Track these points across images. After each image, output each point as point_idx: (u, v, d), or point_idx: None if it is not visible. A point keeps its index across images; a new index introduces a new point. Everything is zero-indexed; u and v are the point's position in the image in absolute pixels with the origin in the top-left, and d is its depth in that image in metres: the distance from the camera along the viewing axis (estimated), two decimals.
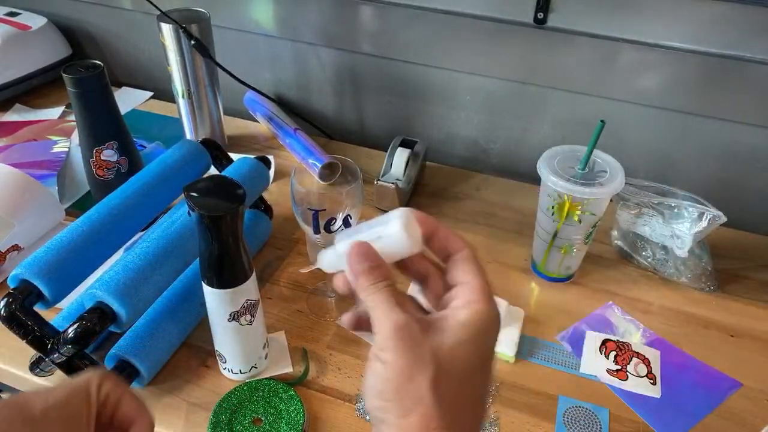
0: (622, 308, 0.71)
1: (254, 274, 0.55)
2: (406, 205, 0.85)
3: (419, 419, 0.31)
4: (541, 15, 0.81)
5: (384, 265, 0.35)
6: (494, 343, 0.35)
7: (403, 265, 0.38)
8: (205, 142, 0.75)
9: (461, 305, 0.35)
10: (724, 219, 0.68)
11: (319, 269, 0.40)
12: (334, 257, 0.38)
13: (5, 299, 0.52)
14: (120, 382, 0.42)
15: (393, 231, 0.36)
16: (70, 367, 0.55)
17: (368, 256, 0.35)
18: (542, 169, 0.66)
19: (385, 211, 0.38)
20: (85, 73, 0.68)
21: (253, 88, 0.99)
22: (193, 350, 0.64)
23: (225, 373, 0.61)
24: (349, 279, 0.36)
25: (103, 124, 0.73)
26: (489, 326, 0.34)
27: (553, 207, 0.67)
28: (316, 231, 0.72)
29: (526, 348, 0.65)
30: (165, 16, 0.83)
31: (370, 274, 0.35)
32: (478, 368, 0.34)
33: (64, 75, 0.68)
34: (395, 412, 0.32)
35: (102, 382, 0.40)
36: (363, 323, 0.37)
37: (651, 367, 0.63)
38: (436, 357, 0.32)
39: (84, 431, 0.39)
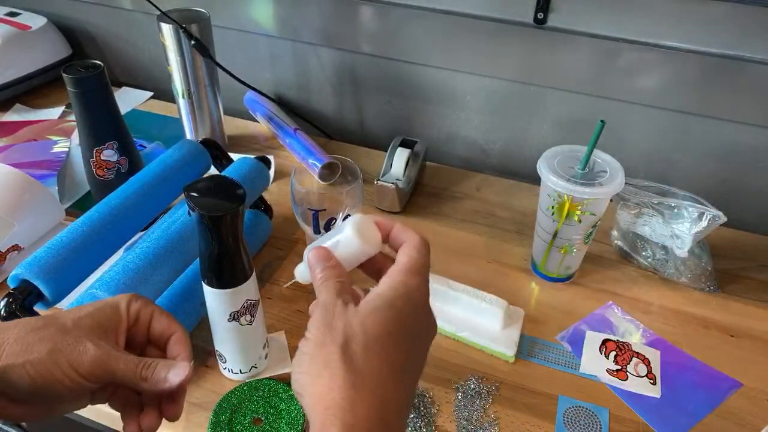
0: (622, 308, 0.71)
1: (254, 274, 0.55)
2: (406, 206, 0.85)
3: (326, 381, 0.33)
4: (541, 15, 0.81)
5: (338, 265, 0.39)
6: (414, 312, 0.37)
7: (368, 267, 0.42)
8: (205, 142, 0.75)
9: (384, 279, 0.38)
10: (724, 219, 0.68)
11: (298, 282, 0.44)
12: (305, 269, 0.42)
13: (5, 299, 0.52)
14: (149, 302, 0.44)
15: (347, 236, 0.40)
16: None
17: (322, 258, 0.39)
18: (542, 169, 0.66)
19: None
20: (85, 73, 0.68)
21: (253, 88, 0.99)
22: (194, 350, 0.63)
23: (225, 373, 0.61)
24: (312, 281, 0.40)
25: (103, 124, 0.73)
26: (406, 294, 0.37)
27: (553, 207, 0.67)
28: (316, 231, 0.72)
29: (526, 348, 0.65)
30: (165, 16, 0.83)
31: (323, 271, 0.39)
32: (394, 333, 0.36)
33: (64, 75, 0.68)
34: (308, 381, 0.34)
35: (131, 300, 0.43)
36: None
37: (651, 367, 0.63)
38: (349, 325, 0.35)
39: (114, 340, 0.41)
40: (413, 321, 0.37)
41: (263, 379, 0.60)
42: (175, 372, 0.40)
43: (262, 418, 0.56)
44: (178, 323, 0.44)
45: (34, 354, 0.37)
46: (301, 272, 0.43)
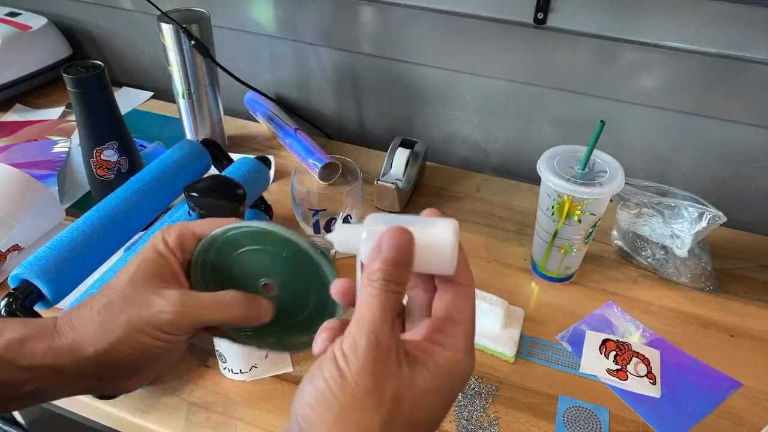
0: (622, 308, 0.71)
1: None
2: (406, 205, 0.85)
3: None
4: (541, 15, 0.81)
5: (410, 268, 0.30)
6: (455, 397, 0.32)
7: None
8: (206, 142, 0.75)
9: (447, 346, 0.31)
10: (723, 219, 0.68)
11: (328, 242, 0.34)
12: (353, 236, 0.32)
13: (5, 299, 0.53)
14: (183, 224, 0.39)
15: (441, 236, 0.30)
16: None
17: (402, 248, 0.29)
18: (542, 169, 0.66)
19: (385, 212, 0.36)
20: (85, 73, 0.68)
21: (254, 88, 0.99)
22: (193, 350, 0.64)
23: (225, 372, 0.61)
24: (362, 260, 0.31)
25: (103, 124, 0.73)
26: (462, 379, 0.31)
27: (553, 207, 0.67)
28: (316, 231, 0.72)
29: (525, 348, 0.65)
30: (165, 16, 0.83)
31: (391, 267, 0.29)
32: (436, 420, 0.31)
33: (64, 75, 0.68)
34: (325, 428, 0.28)
35: (163, 235, 0.39)
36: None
37: (651, 367, 0.63)
38: (398, 397, 0.28)
39: (176, 282, 0.38)
40: (450, 406, 0.32)
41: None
42: (255, 304, 0.38)
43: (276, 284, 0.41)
44: (223, 219, 0.39)
45: (116, 333, 0.35)
46: (345, 236, 0.32)
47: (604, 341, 0.66)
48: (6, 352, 0.35)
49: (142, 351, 0.35)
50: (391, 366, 0.28)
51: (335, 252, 0.34)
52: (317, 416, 0.28)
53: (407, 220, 0.31)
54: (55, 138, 0.95)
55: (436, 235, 0.30)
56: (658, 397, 0.61)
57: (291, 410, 0.30)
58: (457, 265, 0.31)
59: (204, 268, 0.40)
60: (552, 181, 0.64)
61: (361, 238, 0.31)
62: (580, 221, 0.66)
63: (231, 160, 0.76)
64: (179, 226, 0.39)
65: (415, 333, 0.32)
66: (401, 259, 0.29)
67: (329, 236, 0.33)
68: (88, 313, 0.36)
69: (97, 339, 0.35)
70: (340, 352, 0.29)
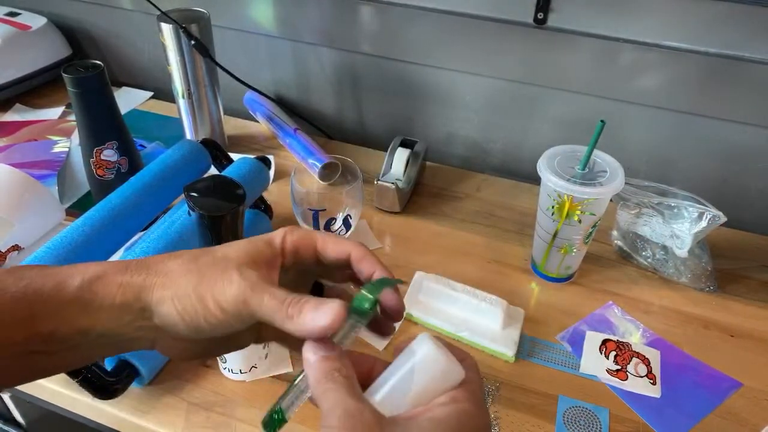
0: (622, 308, 0.71)
1: None
2: (406, 206, 0.85)
3: None
4: (541, 15, 0.81)
5: (342, 357, 0.31)
6: None
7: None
8: (205, 142, 0.75)
9: (443, 401, 0.29)
10: (724, 219, 0.68)
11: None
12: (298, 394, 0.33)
13: None
14: (310, 231, 0.37)
15: (425, 355, 0.30)
16: None
17: (320, 347, 0.31)
18: (542, 169, 0.66)
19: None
20: (85, 73, 0.68)
21: (253, 88, 0.99)
22: None
23: (225, 372, 0.61)
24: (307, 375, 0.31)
25: (103, 124, 0.73)
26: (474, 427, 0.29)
27: (553, 207, 0.67)
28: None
29: (526, 348, 0.65)
30: (165, 16, 0.82)
31: (322, 363, 0.30)
32: None
33: (64, 75, 0.68)
34: None
35: (286, 233, 0.37)
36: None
37: (651, 367, 0.63)
38: None
39: (265, 274, 0.35)
40: None
41: None
42: (321, 312, 0.31)
43: None
44: (349, 242, 0.37)
45: (181, 288, 0.33)
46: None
47: (605, 341, 0.66)
48: (80, 291, 0.33)
49: (193, 318, 0.33)
50: (372, 424, 0.28)
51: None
52: None
53: (387, 379, 0.31)
54: (54, 138, 0.95)
55: (420, 358, 0.30)
56: (659, 397, 0.61)
57: None
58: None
59: None
60: (552, 181, 0.64)
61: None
62: (580, 221, 0.66)
63: (231, 160, 0.76)
64: (305, 232, 0.37)
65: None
66: (322, 353, 0.31)
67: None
68: (184, 258, 0.35)
69: (164, 284, 0.34)
70: None
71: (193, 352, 0.37)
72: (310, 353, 0.31)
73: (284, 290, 0.33)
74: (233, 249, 0.35)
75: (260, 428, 0.32)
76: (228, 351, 0.39)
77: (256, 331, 0.37)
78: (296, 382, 0.32)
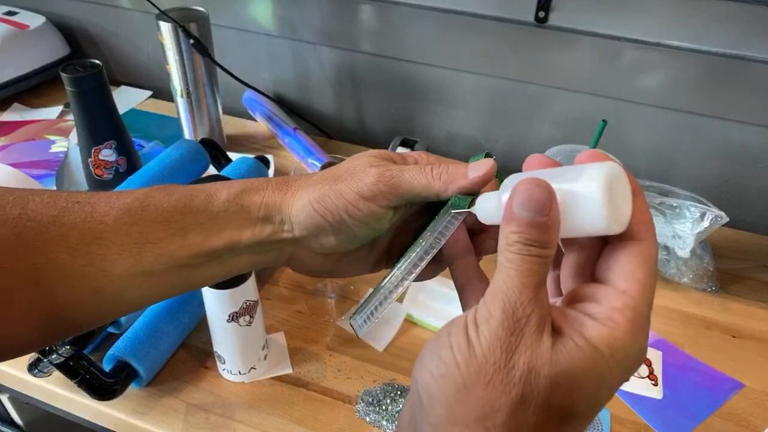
0: None
1: (253, 274, 0.54)
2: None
3: None
4: (542, 14, 0.81)
5: (554, 227, 0.25)
6: (615, 387, 0.26)
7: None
8: (204, 142, 0.75)
9: (601, 318, 0.25)
10: (726, 219, 0.68)
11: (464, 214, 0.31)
12: (496, 204, 0.28)
13: None
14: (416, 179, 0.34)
15: (588, 192, 0.24)
16: (68, 368, 0.54)
17: (540, 205, 0.24)
18: None
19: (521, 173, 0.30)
20: (83, 73, 0.68)
21: (253, 88, 0.99)
22: (192, 351, 0.63)
23: (224, 374, 0.60)
24: (501, 225, 0.26)
25: (101, 124, 0.72)
26: (625, 365, 0.25)
27: None
28: None
29: None
30: (164, 15, 0.82)
31: (527, 229, 0.25)
32: (586, 411, 0.26)
33: (62, 74, 0.67)
34: (438, 411, 0.25)
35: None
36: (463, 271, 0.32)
37: (653, 368, 0.63)
38: (534, 375, 0.24)
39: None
40: (612, 387, 0.26)
41: None
42: (475, 165, 0.32)
43: None
44: (449, 161, 0.35)
45: (320, 191, 0.34)
46: (489, 208, 0.29)
47: None
48: (226, 204, 0.34)
49: (335, 215, 0.33)
50: (529, 338, 0.24)
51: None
52: (439, 389, 0.25)
53: (551, 174, 0.26)
54: (53, 137, 0.95)
55: (583, 189, 0.24)
56: (660, 398, 0.60)
57: (412, 375, 0.27)
58: (630, 213, 0.25)
59: None
60: None
61: (501, 202, 0.27)
62: None
63: (229, 160, 0.76)
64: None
65: (560, 300, 0.28)
66: (537, 218, 0.24)
67: (475, 210, 0.31)
68: (308, 176, 0.36)
69: (299, 193, 0.35)
70: (472, 319, 0.25)
71: (322, 267, 0.38)
72: (519, 208, 0.25)
73: (415, 164, 0.34)
74: (361, 156, 0.36)
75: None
76: (354, 272, 0.39)
77: (389, 237, 0.38)
78: (384, 283, 0.33)
